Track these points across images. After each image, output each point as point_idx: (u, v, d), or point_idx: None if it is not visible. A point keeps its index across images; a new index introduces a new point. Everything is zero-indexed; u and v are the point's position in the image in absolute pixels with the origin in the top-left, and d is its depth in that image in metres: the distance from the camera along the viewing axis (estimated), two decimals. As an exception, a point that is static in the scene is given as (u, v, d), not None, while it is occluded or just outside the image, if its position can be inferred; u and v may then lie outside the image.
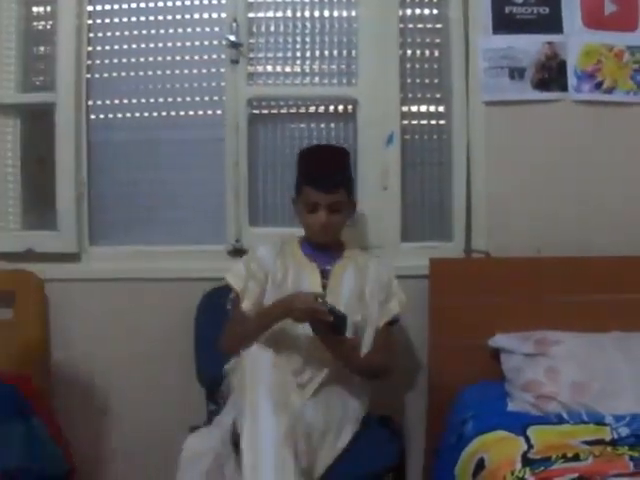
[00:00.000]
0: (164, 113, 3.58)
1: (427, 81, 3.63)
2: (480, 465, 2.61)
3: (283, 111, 3.65)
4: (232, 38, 3.48)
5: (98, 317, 3.38)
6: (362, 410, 3.01)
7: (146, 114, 3.62)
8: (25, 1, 3.61)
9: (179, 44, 3.59)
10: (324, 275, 3.05)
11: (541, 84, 3.51)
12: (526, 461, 2.49)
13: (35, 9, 3.64)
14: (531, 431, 2.72)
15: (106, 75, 3.59)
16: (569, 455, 2.50)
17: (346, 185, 3.07)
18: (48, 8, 3.61)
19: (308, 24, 3.60)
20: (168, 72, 3.58)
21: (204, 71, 3.59)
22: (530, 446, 2.60)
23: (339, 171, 3.08)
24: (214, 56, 3.58)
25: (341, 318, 2.78)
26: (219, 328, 3.03)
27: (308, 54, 3.60)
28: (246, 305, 3.00)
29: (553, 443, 2.61)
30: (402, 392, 3.51)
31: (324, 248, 3.10)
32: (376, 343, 3.06)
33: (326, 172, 3.01)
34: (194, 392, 3.28)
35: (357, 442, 2.90)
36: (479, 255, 3.52)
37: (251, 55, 3.57)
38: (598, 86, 3.51)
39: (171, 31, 3.59)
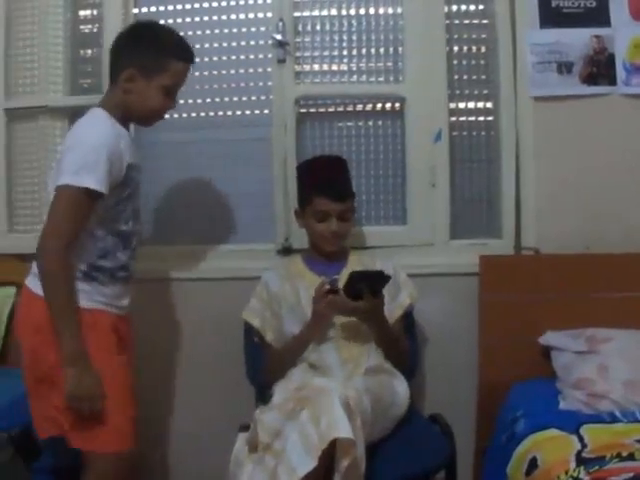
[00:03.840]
0: (212, 113, 3.61)
1: (474, 77, 3.62)
2: (533, 464, 2.59)
3: (331, 110, 3.66)
4: (278, 37, 3.50)
5: (148, 317, 3.39)
6: (405, 404, 3.04)
7: (194, 114, 3.65)
8: (72, 5, 3.66)
9: (225, 44, 3.61)
10: (333, 285, 3.09)
11: (589, 78, 3.48)
12: (580, 460, 2.47)
13: (82, 12, 3.70)
14: (584, 430, 2.70)
15: (153, 77, 3.61)
16: (624, 454, 2.47)
17: (352, 194, 3.18)
18: (95, 11, 3.67)
19: (354, 22, 3.60)
20: (215, 72, 3.60)
21: (251, 71, 3.61)
22: (584, 445, 2.58)
23: (347, 180, 3.21)
24: (261, 56, 3.60)
25: (367, 275, 2.91)
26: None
27: (354, 52, 3.61)
28: (269, 337, 3.13)
29: (607, 442, 2.58)
30: (452, 390, 3.49)
31: (330, 257, 3.19)
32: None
33: (338, 182, 3.14)
34: (245, 391, 3.29)
35: (408, 439, 2.91)
36: (529, 252, 3.51)
37: (298, 54, 3.58)
38: (647, 79, 3.48)
39: (217, 32, 3.61)
